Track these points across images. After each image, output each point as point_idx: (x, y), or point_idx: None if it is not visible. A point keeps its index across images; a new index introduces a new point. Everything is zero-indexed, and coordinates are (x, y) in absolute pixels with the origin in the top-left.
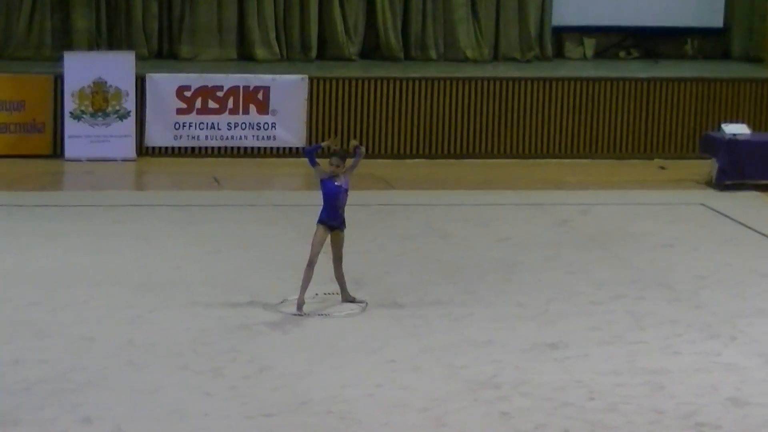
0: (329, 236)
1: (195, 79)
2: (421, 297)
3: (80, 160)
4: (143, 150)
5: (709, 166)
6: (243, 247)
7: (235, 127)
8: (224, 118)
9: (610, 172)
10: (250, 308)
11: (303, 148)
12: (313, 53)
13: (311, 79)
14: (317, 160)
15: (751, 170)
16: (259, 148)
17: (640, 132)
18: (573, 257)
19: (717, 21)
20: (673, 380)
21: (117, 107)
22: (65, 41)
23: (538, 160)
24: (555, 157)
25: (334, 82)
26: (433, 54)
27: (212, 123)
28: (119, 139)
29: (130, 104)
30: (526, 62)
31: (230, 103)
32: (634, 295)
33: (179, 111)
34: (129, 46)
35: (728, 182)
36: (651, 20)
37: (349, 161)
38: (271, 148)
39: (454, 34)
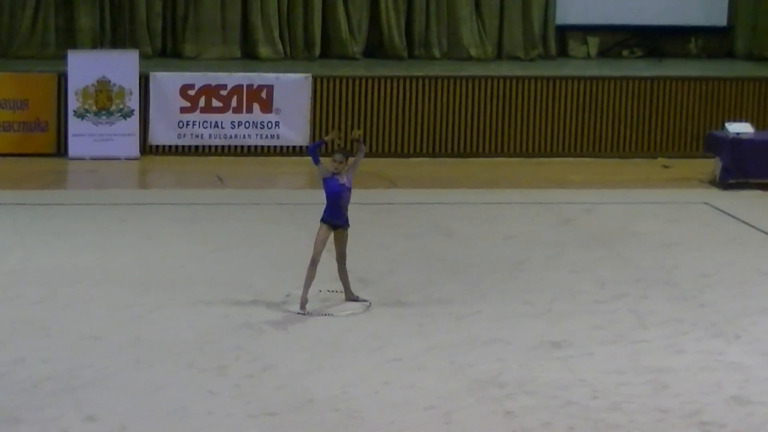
0: (332, 235)
1: (199, 78)
2: (425, 295)
3: (84, 159)
4: (147, 148)
5: (712, 165)
6: (247, 245)
7: (238, 125)
8: (228, 117)
9: (614, 171)
10: (253, 307)
11: (307, 146)
12: (317, 52)
13: (315, 78)
14: (320, 159)
15: (755, 169)
16: (262, 147)
17: (644, 131)
18: (577, 256)
19: (721, 20)
20: (677, 379)
21: (121, 106)
22: (69, 40)
23: (541, 159)
24: (559, 156)
25: (337, 81)
26: (436, 52)
27: (216, 121)
28: (123, 137)
29: (133, 103)
30: (530, 61)
31: (234, 102)
32: (637, 293)
33: (183, 109)
34: (133, 45)
35: (732, 181)
36: (655, 19)
37: (351, 159)
38: (275, 146)
39: (457, 33)
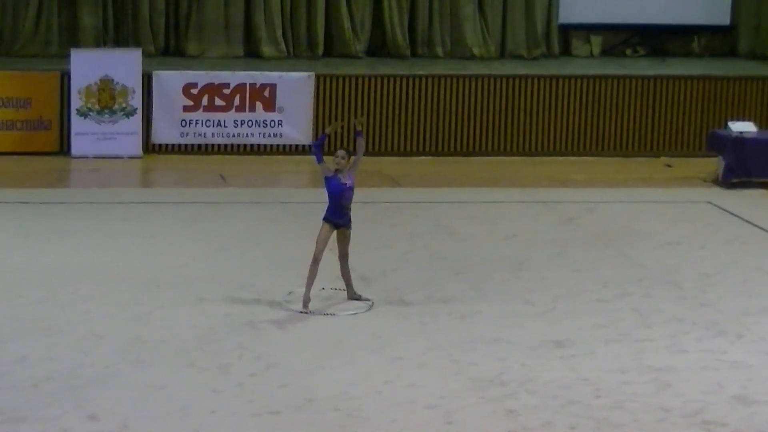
0: (335, 234)
1: (202, 77)
2: (428, 294)
3: (87, 158)
4: (150, 147)
5: (715, 164)
6: (249, 244)
7: (241, 124)
8: (231, 116)
9: (617, 170)
10: (256, 305)
11: (310, 145)
12: (320, 50)
13: (318, 77)
14: (324, 158)
15: (758, 168)
16: (265, 146)
17: (647, 130)
18: (579, 255)
19: (724, 19)
20: (680, 378)
21: (123, 104)
22: (72, 38)
23: (544, 158)
24: (561, 155)
25: (340, 80)
26: (439, 51)
27: (219, 120)
28: (126, 136)
29: (136, 101)
30: (533, 60)
31: (237, 101)
32: (640, 293)
33: (186, 108)
34: (136, 44)
35: (735, 180)
36: (658, 18)
37: (353, 158)
38: (278, 145)
39: (460, 32)
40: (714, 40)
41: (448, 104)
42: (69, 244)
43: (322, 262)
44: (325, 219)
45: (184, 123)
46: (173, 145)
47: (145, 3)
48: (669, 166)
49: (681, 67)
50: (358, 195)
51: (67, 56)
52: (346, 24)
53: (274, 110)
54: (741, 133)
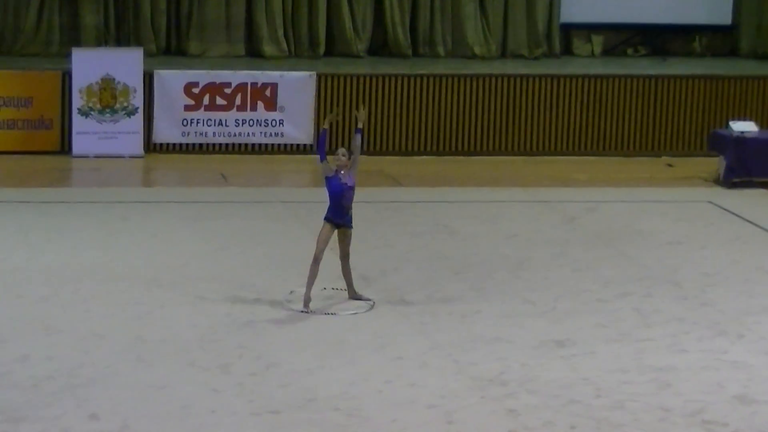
0: (336, 233)
1: (203, 76)
2: (429, 294)
3: (88, 157)
4: (151, 146)
5: (716, 164)
6: (250, 243)
7: (242, 123)
8: (232, 115)
9: (618, 170)
10: (257, 305)
11: (315, 143)
12: (321, 50)
13: (319, 76)
14: (327, 157)
15: (759, 167)
16: (266, 145)
17: (648, 129)
18: (580, 255)
19: (725, 18)
20: (680, 378)
21: (125, 104)
22: (73, 38)
23: (545, 158)
24: (562, 155)
25: (342, 79)
26: (441, 51)
27: (220, 119)
28: (127, 135)
29: (138, 101)
30: (534, 59)
31: (238, 100)
32: (641, 292)
33: (187, 107)
34: (137, 43)
35: (736, 180)
36: (659, 17)
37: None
38: (279, 144)
39: (462, 31)
40: (715, 39)
41: (449, 104)
42: (70, 243)
43: (323, 261)
44: (326, 219)
45: (185, 122)
46: (174, 144)
47: (147, 2)
48: (670, 165)
49: (682, 67)
50: (359, 194)
51: (68, 55)
52: (348, 23)
53: (275, 109)
54: (742, 132)
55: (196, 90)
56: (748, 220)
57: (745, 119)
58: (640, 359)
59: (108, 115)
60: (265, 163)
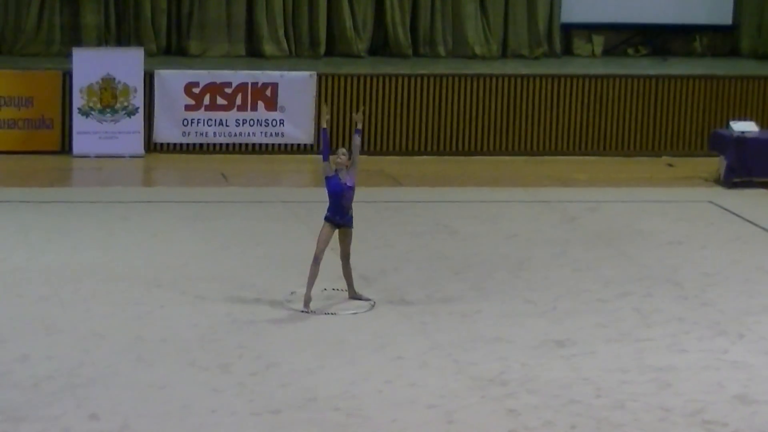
0: (337, 233)
1: (203, 76)
2: (429, 294)
3: (88, 156)
4: (151, 146)
5: (717, 164)
6: (250, 243)
7: (243, 123)
8: (232, 115)
9: (618, 170)
10: (257, 305)
11: (317, 140)
12: (322, 50)
13: (320, 76)
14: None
15: (759, 167)
16: (267, 145)
17: (649, 129)
18: (581, 254)
19: (726, 18)
20: (680, 378)
21: (125, 103)
22: (74, 37)
23: (546, 157)
24: (563, 154)
25: (342, 79)
26: (441, 51)
27: (220, 119)
28: (127, 135)
29: (138, 100)
30: (535, 59)
31: (238, 100)
32: (641, 292)
33: (187, 107)
34: (138, 43)
35: (736, 180)
36: (660, 17)
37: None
38: (279, 144)
39: (462, 31)
40: (716, 39)
41: (449, 103)
42: (70, 243)
43: (323, 262)
44: (326, 218)
45: (185, 122)
46: (175, 144)
47: (147, 2)
48: (670, 165)
49: (683, 67)
50: (359, 194)
51: (69, 55)
52: (348, 23)
53: (275, 109)
54: (743, 132)
55: (196, 90)
56: (748, 220)
57: (745, 119)
58: (641, 359)
59: (108, 114)
60: (265, 163)
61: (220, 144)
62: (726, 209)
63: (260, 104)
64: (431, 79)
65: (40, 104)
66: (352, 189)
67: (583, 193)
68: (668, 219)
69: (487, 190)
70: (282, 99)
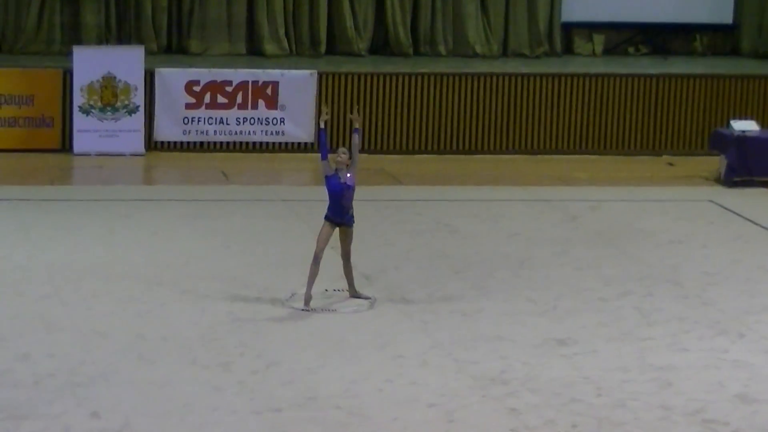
0: (337, 232)
1: (204, 74)
2: (430, 292)
3: (89, 155)
4: (152, 145)
5: (717, 163)
6: (251, 242)
7: (243, 122)
8: (233, 113)
9: (619, 169)
10: (258, 303)
11: (317, 138)
12: (323, 48)
13: (320, 75)
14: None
15: (760, 167)
16: (267, 143)
17: (649, 128)
18: (582, 253)
19: (726, 17)
20: (681, 377)
21: (126, 102)
22: (75, 36)
23: (546, 156)
24: (564, 153)
25: (343, 78)
26: (442, 49)
27: (221, 118)
28: (128, 133)
29: (139, 99)
30: (535, 58)
31: (239, 98)
32: (642, 291)
33: (188, 106)
34: (138, 41)
35: (737, 179)
36: (660, 16)
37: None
38: (280, 143)
39: (463, 30)
40: (716, 38)
41: (450, 102)
42: (71, 241)
43: (324, 261)
44: (326, 217)
45: (186, 120)
46: (175, 142)
47: (148, 0)
48: (671, 164)
49: (683, 66)
50: (360, 193)
51: (69, 54)
52: (349, 22)
53: (276, 108)
54: (743, 131)
55: (197, 88)
56: (749, 220)
57: (746, 118)
58: (641, 358)
59: (109, 113)
60: (266, 161)
61: (221, 142)
62: (726, 208)
63: (261, 103)
64: (432, 78)
65: (41, 103)
66: (352, 188)
67: (584, 192)
68: (669, 218)
69: (487, 188)
70: (282, 98)
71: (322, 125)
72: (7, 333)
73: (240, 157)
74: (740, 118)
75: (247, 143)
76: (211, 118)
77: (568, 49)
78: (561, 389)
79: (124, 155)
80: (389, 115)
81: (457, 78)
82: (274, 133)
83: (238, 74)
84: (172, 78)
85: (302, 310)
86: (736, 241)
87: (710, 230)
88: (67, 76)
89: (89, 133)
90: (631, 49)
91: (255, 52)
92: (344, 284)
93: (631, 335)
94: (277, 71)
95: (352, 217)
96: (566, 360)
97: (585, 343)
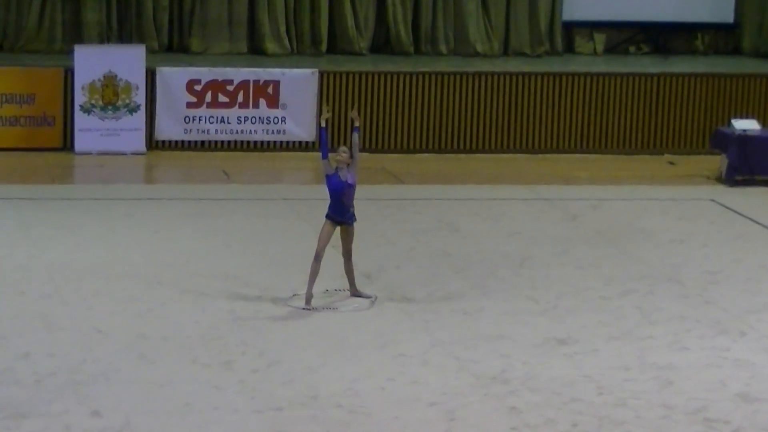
0: (338, 230)
1: (205, 73)
2: (431, 291)
3: (90, 154)
4: (153, 143)
5: (719, 162)
6: (252, 240)
7: (245, 121)
8: (234, 112)
9: (620, 168)
10: (259, 302)
11: (317, 138)
12: (324, 47)
13: (321, 74)
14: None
15: (761, 166)
16: (268, 142)
17: (650, 127)
18: (582, 252)
19: (728, 16)
20: (683, 376)
21: (127, 101)
22: (76, 35)
23: (547, 155)
24: (565, 152)
25: (344, 77)
26: (443, 48)
27: (222, 117)
28: (129, 132)
29: (140, 98)
30: (537, 57)
31: (240, 97)
32: (643, 290)
33: (189, 105)
34: (139, 40)
35: (738, 178)
36: (661, 15)
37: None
38: (281, 142)
39: (464, 29)
40: (718, 37)
41: (451, 101)
42: (72, 240)
43: (324, 259)
44: (327, 216)
45: (187, 119)
46: (177, 141)
47: None
48: (672, 163)
49: (685, 65)
50: (361, 192)
51: (70, 52)
52: (350, 21)
53: (277, 107)
54: (744, 130)
55: (198, 87)
56: (750, 219)
57: (747, 117)
58: (643, 357)
59: (110, 112)
60: (267, 160)
61: (222, 141)
62: (728, 207)
63: (262, 102)
64: (433, 77)
65: (42, 101)
66: (352, 187)
67: (585, 191)
68: (670, 217)
69: (488, 187)
70: (284, 96)
71: (323, 124)
72: (8, 332)
73: (241, 156)
74: (741, 117)
75: (248, 142)
76: (212, 116)
77: (569, 48)
78: (562, 388)
79: (125, 154)
80: (390, 113)
81: (458, 77)
82: (275, 132)
83: (239, 73)
84: (174, 77)
85: (303, 308)
86: (738, 240)
87: (711, 229)
88: (68, 74)
89: (90, 131)
90: (632, 48)
91: (256, 51)
92: (345, 283)
93: (632, 334)
94: (278, 70)
95: (353, 215)
96: (567, 359)
97: (586, 342)
